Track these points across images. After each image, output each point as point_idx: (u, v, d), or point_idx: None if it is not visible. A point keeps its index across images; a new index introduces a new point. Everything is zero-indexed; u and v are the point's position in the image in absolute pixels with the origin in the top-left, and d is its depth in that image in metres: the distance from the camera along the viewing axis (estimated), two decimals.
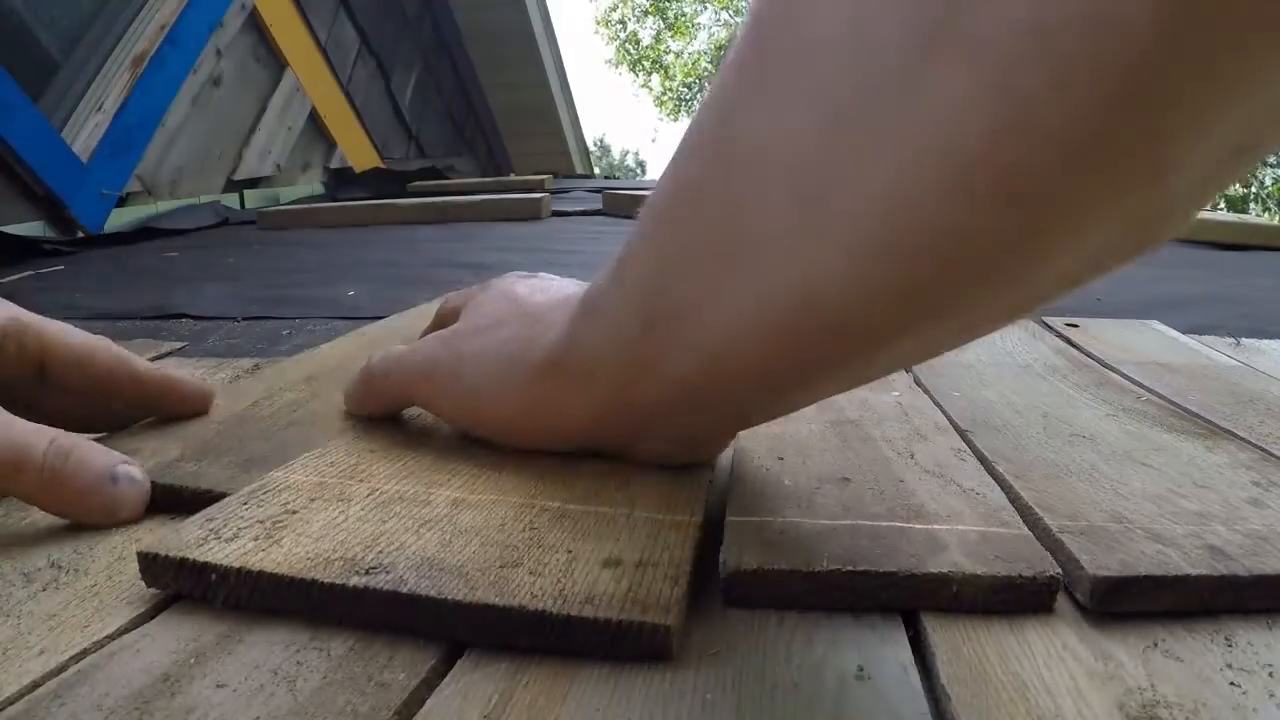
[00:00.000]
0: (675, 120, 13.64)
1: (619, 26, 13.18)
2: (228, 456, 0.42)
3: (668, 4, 12.87)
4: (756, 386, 0.32)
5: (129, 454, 0.42)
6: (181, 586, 0.30)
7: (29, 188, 1.82)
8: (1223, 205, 6.92)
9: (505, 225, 1.92)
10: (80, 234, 1.92)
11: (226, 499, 0.35)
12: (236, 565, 0.30)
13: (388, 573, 0.29)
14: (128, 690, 0.25)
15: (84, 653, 0.27)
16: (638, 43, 13.22)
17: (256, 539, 0.32)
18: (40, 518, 0.38)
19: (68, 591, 0.32)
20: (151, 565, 0.31)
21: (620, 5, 13.12)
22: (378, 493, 0.36)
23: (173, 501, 0.39)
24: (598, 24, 13.38)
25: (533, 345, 0.38)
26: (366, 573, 0.29)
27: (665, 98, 13.41)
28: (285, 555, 0.30)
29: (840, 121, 0.24)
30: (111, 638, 0.28)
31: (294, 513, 0.34)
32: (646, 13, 13.03)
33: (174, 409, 0.48)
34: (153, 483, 0.39)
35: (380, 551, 0.31)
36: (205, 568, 0.30)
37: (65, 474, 0.36)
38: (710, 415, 0.36)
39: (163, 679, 0.26)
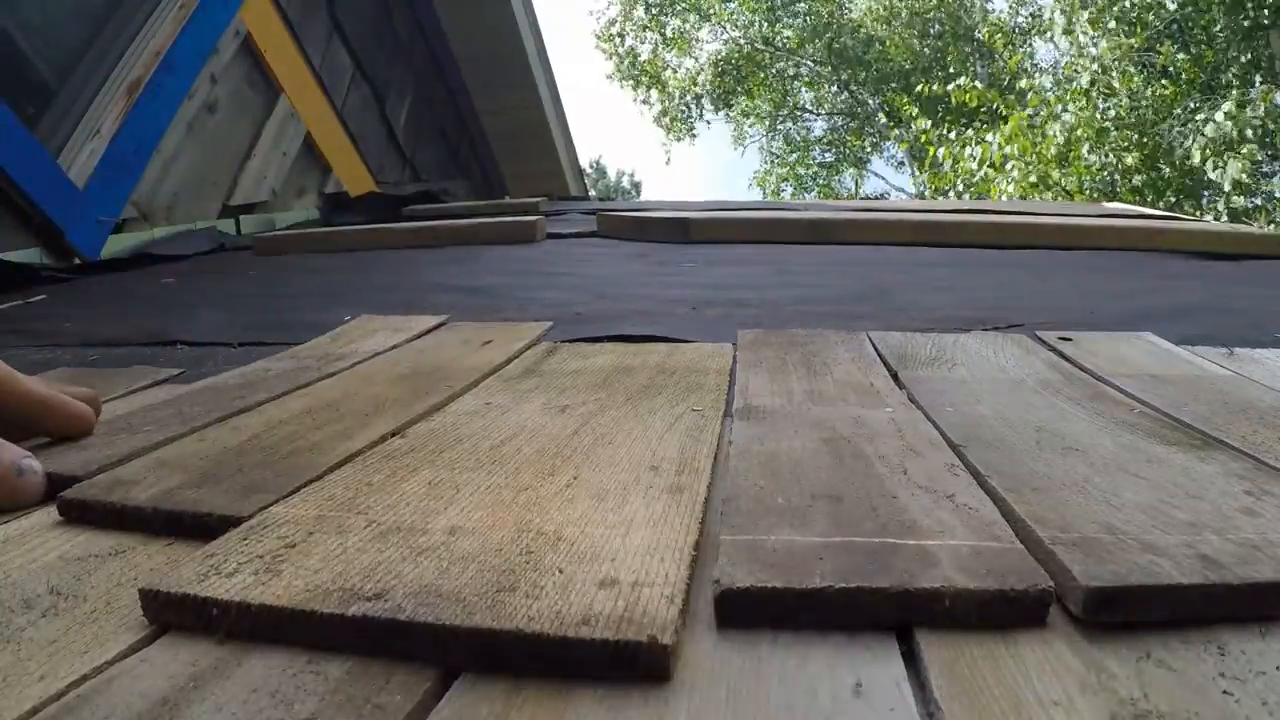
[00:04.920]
0: (678, 140, 13.66)
1: (618, 41, 13.24)
2: (228, 483, 0.42)
3: (666, 20, 12.93)
4: None
5: (132, 484, 0.42)
6: (183, 621, 0.31)
7: (25, 214, 1.82)
8: (1225, 216, 6.96)
9: (501, 248, 1.93)
10: (77, 260, 1.93)
11: (226, 535, 0.36)
12: (237, 599, 0.30)
13: (385, 600, 0.30)
14: (127, 715, 0.25)
15: (83, 678, 0.28)
16: (636, 58, 13.28)
17: (256, 573, 0.32)
18: (40, 545, 0.38)
19: (67, 618, 0.32)
20: (153, 601, 0.31)
21: (620, 21, 13.18)
22: (375, 524, 0.37)
23: (174, 527, 0.39)
24: (597, 39, 13.44)
25: None
26: (365, 601, 0.30)
27: (665, 116, 13.45)
28: (285, 588, 0.31)
29: None
30: (111, 663, 0.29)
31: (293, 546, 0.34)
32: (645, 28, 13.08)
33: (57, 428, 0.52)
34: (154, 509, 0.40)
35: (378, 580, 0.31)
36: (206, 602, 0.30)
37: None
38: None
39: (161, 703, 0.26)
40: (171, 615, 0.31)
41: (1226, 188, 6.76)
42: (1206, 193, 7.47)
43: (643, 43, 13.27)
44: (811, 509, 0.37)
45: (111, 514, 0.40)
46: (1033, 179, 7.63)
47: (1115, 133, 7.47)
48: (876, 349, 0.74)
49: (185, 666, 0.28)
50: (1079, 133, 7.46)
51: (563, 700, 0.26)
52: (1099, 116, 7.43)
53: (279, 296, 1.33)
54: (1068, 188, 7.59)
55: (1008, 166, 7.70)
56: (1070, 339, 0.79)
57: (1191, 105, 7.35)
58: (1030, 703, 0.25)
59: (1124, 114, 7.44)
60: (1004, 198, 7.40)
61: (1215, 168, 6.74)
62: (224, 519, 0.38)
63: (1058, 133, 7.45)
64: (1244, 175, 6.65)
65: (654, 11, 12.94)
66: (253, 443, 0.49)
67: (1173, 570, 0.31)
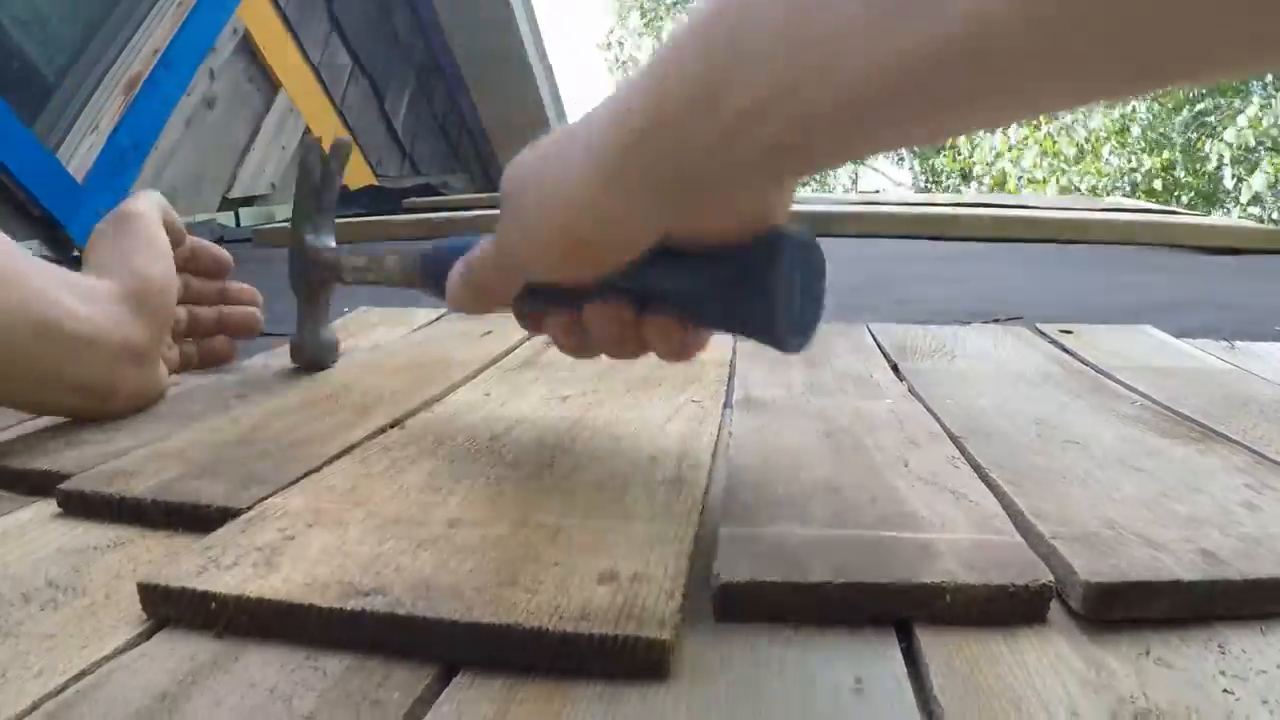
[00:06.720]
0: None
1: (617, 48, 13.23)
2: (228, 474, 0.42)
3: (662, 24, 12.92)
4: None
5: (131, 475, 0.42)
6: (182, 614, 0.30)
7: (25, 208, 1.82)
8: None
9: None
10: (76, 254, 1.93)
11: (225, 527, 0.36)
12: (235, 593, 0.30)
13: (384, 595, 0.29)
14: (126, 710, 0.25)
15: (82, 673, 0.28)
16: (636, 63, 13.27)
17: (255, 566, 0.32)
18: (38, 537, 0.38)
19: (66, 611, 0.32)
20: (151, 595, 0.31)
21: (616, 27, 13.18)
22: (375, 516, 0.37)
23: (173, 519, 0.39)
24: (598, 48, 13.45)
25: (582, 139, 0.35)
26: (364, 595, 0.29)
27: None
28: (283, 581, 0.31)
29: None
30: (109, 658, 0.28)
31: (292, 539, 0.34)
32: (641, 34, 13.07)
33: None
34: (153, 500, 0.39)
35: (377, 574, 0.31)
36: (205, 596, 0.30)
37: None
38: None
39: (160, 698, 0.26)
40: (170, 609, 0.31)
41: (1244, 199, 6.73)
42: (1222, 201, 7.45)
43: (639, 48, 13.24)
44: (812, 501, 0.37)
45: (110, 506, 0.40)
46: (1062, 181, 7.65)
47: (1138, 131, 7.47)
48: (876, 341, 0.74)
49: (184, 661, 0.28)
50: (1101, 133, 7.46)
51: (562, 695, 0.26)
52: (1122, 116, 7.42)
53: (279, 289, 1.33)
54: (1083, 188, 7.61)
55: (1023, 161, 7.71)
56: (1071, 332, 0.79)
57: (1214, 104, 7.32)
58: (1030, 699, 0.25)
59: (1150, 114, 7.44)
60: (1024, 192, 7.40)
61: (1233, 177, 6.71)
62: (223, 510, 0.38)
63: (1079, 129, 7.45)
64: (1267, 189, 6.62)
65: (649, 16, 12.92)
66: (252, 434, 0.49)
67: (1174, 566, 0.31)
